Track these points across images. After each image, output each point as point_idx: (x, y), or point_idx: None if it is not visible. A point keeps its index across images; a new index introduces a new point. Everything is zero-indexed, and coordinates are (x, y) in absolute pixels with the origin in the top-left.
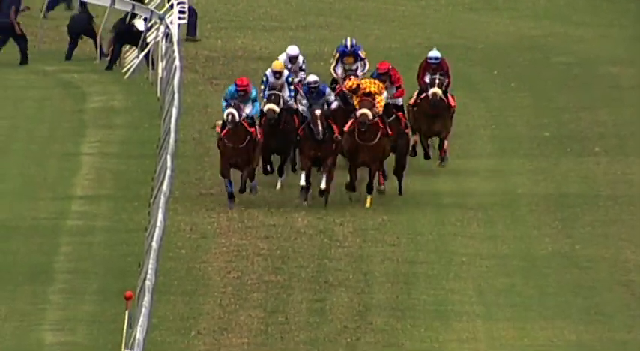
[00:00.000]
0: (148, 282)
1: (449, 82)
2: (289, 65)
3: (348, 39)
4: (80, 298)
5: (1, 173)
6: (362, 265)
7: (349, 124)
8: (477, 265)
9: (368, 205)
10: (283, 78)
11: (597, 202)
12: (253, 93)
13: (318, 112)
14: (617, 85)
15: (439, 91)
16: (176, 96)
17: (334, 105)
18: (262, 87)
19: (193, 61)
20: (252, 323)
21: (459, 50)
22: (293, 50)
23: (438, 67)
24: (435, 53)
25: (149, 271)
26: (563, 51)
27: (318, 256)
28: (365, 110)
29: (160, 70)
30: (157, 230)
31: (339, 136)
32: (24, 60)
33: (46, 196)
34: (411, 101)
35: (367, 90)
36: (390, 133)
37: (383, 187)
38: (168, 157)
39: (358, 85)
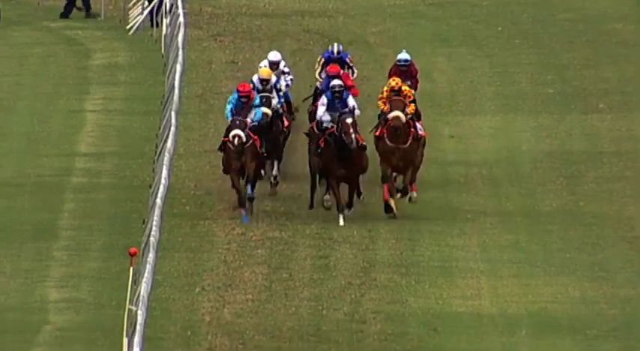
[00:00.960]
0: (152, 239)
1: (417, 87)
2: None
3: (335, 45)
4: (84, 255)
5: (5, 131)
6: (366, 221)
7: (379, 129)
8: (481, 221)
9: (395, 210)
10: (270, 85)
11: (601, 158)
12: (257, 100)
13: (349, 120)
14: (621, 41)
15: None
16: (180, 53)
17: (357, 112)
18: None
19: (197, 17)
20: (257, 280)
21: (463, 7)
22: (274, 56)
23: (407, 70)
24: (404, 55)
25: (153, 228)
26: (568, 7)
27: (322, 213)
28: (397, 113)
29: (164, 27)
30: (162, 187)
31: (365, 143)
32: (87, 13)
33: (50, 153)
34: (377, 132)
35: (410, 97)
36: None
37: (416, 194)
38: (173, 114)
39: (401, 87)
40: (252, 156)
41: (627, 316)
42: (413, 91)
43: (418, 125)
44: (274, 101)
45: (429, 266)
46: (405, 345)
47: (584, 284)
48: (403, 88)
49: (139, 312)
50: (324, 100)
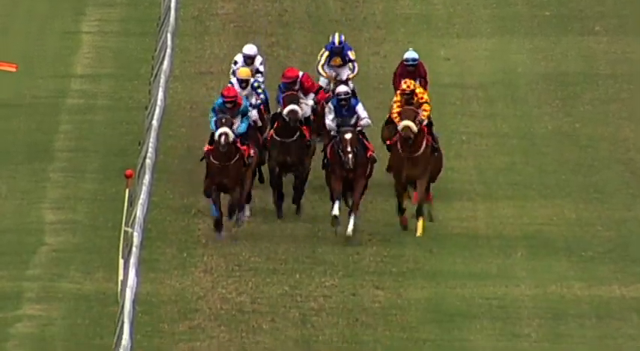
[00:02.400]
0: (148, 160)
1: (426, 89)
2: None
3: (337, 34)
4: (80, 177)
5: (1, 52)
6: None
7: (393, 139)
8: (476, 143)
9: (419, 233)
10: (249, 88)
11: (597, 80)
12: (243, 105)
13: (348, 136)
14: None
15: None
16: None
17: (364, 122)
18: None
19: None
20: (252, 201)
21: None
22: (250, 49)
23: (415, 70)
24: (412, 54)
25: (149, 150)
26: None
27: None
28: (408, 122)
29: None
30: (158, 109)
31: (373, 154)
32: None
33: (45, 75)
34: (389, 141)
35: (423, 98)
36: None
37: (431, 205)
38: (169, 35)
39: (414, 90)
40: (236, 174)
41: (622, 238)
42: (426, 94)
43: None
44: (253, 101)
45: None
46: (401, 267)
47: (579, 206)
48: (417, 90)
49: (135, 234)
50: (330, 107)
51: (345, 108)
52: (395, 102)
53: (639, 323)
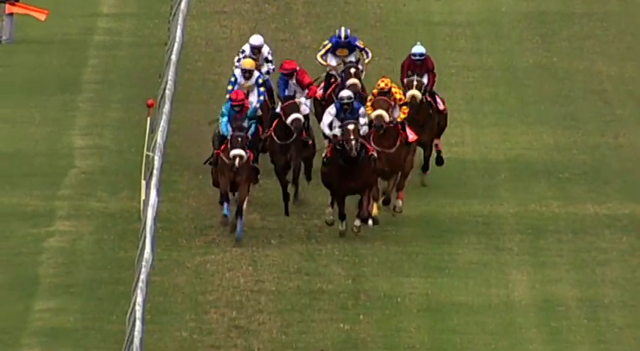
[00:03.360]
0: (167, 91)
1: (434, 81)
2: (253, 57)
3: (342, 29)
4: (106, 106)
5: None
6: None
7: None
8: (464, 76)
9: (375, 212)
10: (253, 79)
11: (573, 18)
12: (252, 108)
13: (351, 126)
14: None
15: (418, 94)
16: None
17: (364, 130)
18: (230, 87)
19: None
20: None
21: None
22: (256, 39)
23: (422, 64)
24: (419, 49)
25: (169, 82)
26: None
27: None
28: (380, 111)
29: None
30: (176, 45)
31: (375, 154)
32: None
33: (75, 14)
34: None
35: (401, 99)
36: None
37: (401, 202)
38: None
39: (390, 88)
40: (247, 175)
41: (596, 161)
42: (402, 91)
43: (409, 131)
44: (254, 98)
45: None
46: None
47: (557, 132)
48: (393, 90)
49: (156, 157)
50: (332, 109)
51: (347, 112)
52: (370, 100)
53: (611, 238)
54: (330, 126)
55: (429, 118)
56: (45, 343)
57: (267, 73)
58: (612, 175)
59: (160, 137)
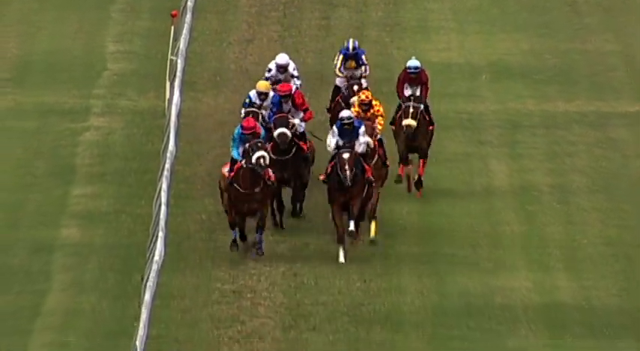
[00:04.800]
0: (189, 3)
1: (426, 94)
2: (280, 76)
3: (350, 41)
4: (137, 16)
5: None
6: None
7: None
8: None
9: (373, 233)
10: (269, 100)
11: None
12: (262, 134)
13: (346, 155)
14: None
15: (413, 123)
16: None
17: (361, 149)
18: (243, 110)
19: None
20: (272, 37)
21: None
22: (282, 58)
23: (417, 77)
24: (414, 62)
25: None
26: None
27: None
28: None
29: None
30: None
31: (372, 177)
32: None
33: None
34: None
35: (379, 111)
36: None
37: (374, 234)
38: None
39: (371, 101)
40: (264, 199)
41: (566, 65)
42: (381, 107)
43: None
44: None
45: (409, 26)
46: (391, 87)
47: (532, 39)
48: (374, 102)
49: (179, 62)
50: (334, 130)
51: (349, 131)
52: (354, 111)
53: (579, 132)
54: (337, 145)
55: (423, 124)
56: (81, 225)
57: (298, 88)
58: (580, 76)
59: (182, 44)
